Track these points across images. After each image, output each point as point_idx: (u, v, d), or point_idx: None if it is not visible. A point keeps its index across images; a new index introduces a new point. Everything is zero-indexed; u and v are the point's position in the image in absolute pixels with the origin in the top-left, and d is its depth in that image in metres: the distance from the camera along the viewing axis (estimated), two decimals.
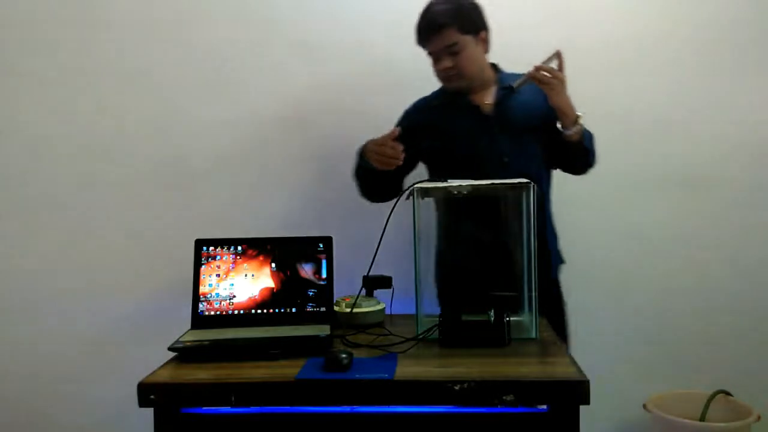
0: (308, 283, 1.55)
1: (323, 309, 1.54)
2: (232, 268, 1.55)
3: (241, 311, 1.53)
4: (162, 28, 2.18)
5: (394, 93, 1.96)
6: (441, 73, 1.76)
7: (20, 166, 2.21)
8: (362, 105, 2.13)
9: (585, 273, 2.18)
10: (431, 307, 1.45)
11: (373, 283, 1.64)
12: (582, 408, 1.13)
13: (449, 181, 1.49)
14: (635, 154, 2.16)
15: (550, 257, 1.85)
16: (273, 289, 1.54)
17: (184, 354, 1.32)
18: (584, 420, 1.13)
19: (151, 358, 1.31)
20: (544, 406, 1.16)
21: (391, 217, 1.59)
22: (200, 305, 1.52)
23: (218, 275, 1.54)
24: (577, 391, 1.12)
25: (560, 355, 1.28)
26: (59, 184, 2.21)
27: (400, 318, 1.59)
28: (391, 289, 1.67)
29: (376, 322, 1.55)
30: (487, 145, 1.76)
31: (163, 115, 2.20)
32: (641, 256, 2.17)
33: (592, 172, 2.18)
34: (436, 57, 1.75)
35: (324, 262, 1.56)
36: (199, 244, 1.56)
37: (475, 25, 1.74)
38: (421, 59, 1.81)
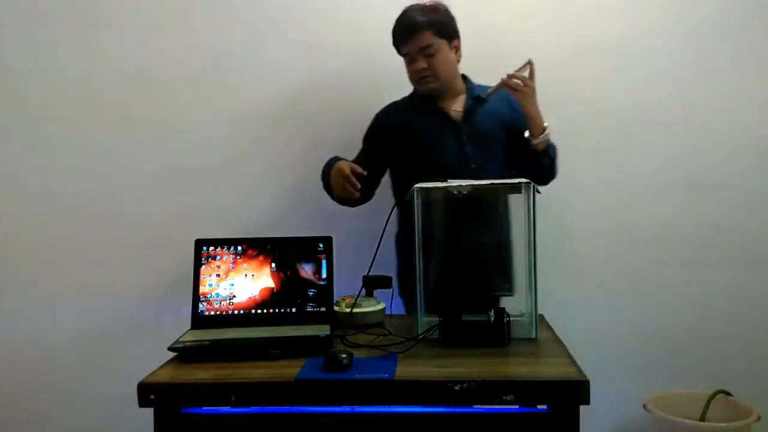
0: (308, 283, 1.55)
1: (323, 309, 1.53)
2: (232, 268, 1.55)
3: (241, 311, 1.53)
4: (162, 27, 2.18)
5: (394, 92, 1.96)
6: (415, 74, 1.80)
7: (20, 166, 2.21)
8: (363, 105, 2.13)
9: (585, 273, 2.18)
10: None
11: (373, 283, 1.63)
12: (582, 408, 1.13)
13: (449, 181, 1.49)
14: (635, 154, 2.16)
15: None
16: (273, 289, 1.54)
17: (184, 354, 1.32)
18: (584, 420, 1.13)
19: (151, 358, 1.31)
20: (544, 406, 1.16)
21: (391, 217, 1.60)
22: (200, 305, 1.52)
23: (218, 275, 1.54)
24: (577, 391, 1.12)
25: (560, 355, 1.28)
26: (59, 183, 2.21)
27: (400, 318, 1.59)
28: (391, 289, 1.67)
29: (376, 322, 1.55)
30: (455, 151, 1.80)
31: (163, 114, 2.20)
32: (641, 256, 2.17)
33: (593, 173, 2.19)
34: (411, 58, 1.79)
35: (324, 262, 1.56)
36: (199, 244, 1.56)
37: (449, 31, 1.80)
38: None
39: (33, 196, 2.21)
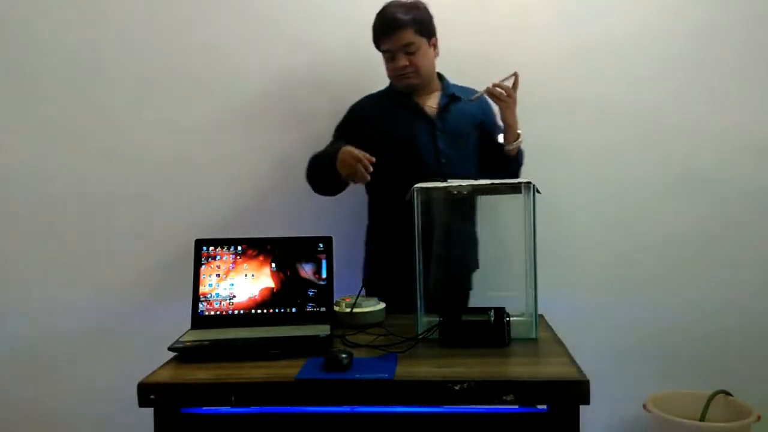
0: (308, 283, 1.55)
1: (323, 309, 1.53)
2: (232, 268, 1.55)
3: (241, 311, 1.53)
4: (164, 27, 2.18)
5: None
6: (397, 71, 1.83)
7: (20, 167, 2.22)
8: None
9: (585, 273, 2.18)
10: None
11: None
12: (582, 408, 1.13)
13: (449, 181, 1.50)
14: (636, 154, 2.16)
15: (469, 261, 1.91)
16: (273, 289, 1.54)
17: (184, 354, 1.32)
18: (584, 420, 1.13)
19: (151, 358, 1.31)
20: (544, 406, 1.16)
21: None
22: (200, 305, 1.52)
23: (218, 275, 1.54)
24: (577, 391, 1.12)
25: (560, 355, 1.28)
26: (59, 183, 2.21)
27: (400, 318, 1.59)
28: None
29: (376, 322, 1.55)
30: (427, 145, 1.83)
31: (164, 114, 2.20)
32: (642, 255, 2.17)
33: (593, 173, 2.19)
34: (392, 55, 1.82)
35: (324, 262, 1.56)
36: (199, 244, 1.56)
37: (429, 29, 1.83)
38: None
39: (33, 195, 2.21)
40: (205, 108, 2.19)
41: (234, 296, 1.53)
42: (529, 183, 1.41)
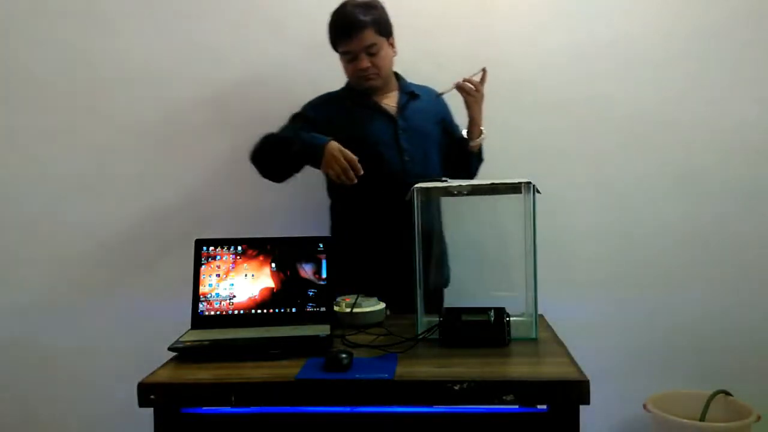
0: (308, 283, 1.55)
1: (323, 309, 1.53)
2: (232, 268, 1.55)
3: (241, 311, 1.53)
4: (163, 25, 2.18)
5: None
6: (358, 73, 1.80)
7: (19, 166, 2.22)
8: None
9: (585, 273, 2.18)
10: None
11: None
12: (582, 408, 1.13)
13: (449, 181, 1.50)
14: (634, 155, 2.16)
15: (442, 265, 1.91)
16: (273, 289, 1.54)
17: (184, 354, 1.32)
18: (584, 420, 1.13)
19: (152, 358, 1.31)
20: (544, 406, 1.16)
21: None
22: (200, 305, 1.52)
23: (218, 275, 1.54)
24: (577, 391, 1.12)
25: (560, 355, 1.28)
26: (58, 183, 2.21)
27: (400, 318, 1.59)
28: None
29: (376, 322, 1.55)
30: (389, 143, 1.82)
31: (164, 114, 2.20)
32: (641, 256, 2.17)
33: (593, 172, 2.19)
34: (353, 57, 1.79)
35: (324, 262, 1.56)
36: (199, 244, 1.55)
37: (388, 28, 1.82)
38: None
39: (32, 195, 2.22)
40: (205, 108, 2.19)
41: (234, 296, 1.53)
42: (529, 183, 1.41)
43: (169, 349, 1.33)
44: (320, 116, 1.85)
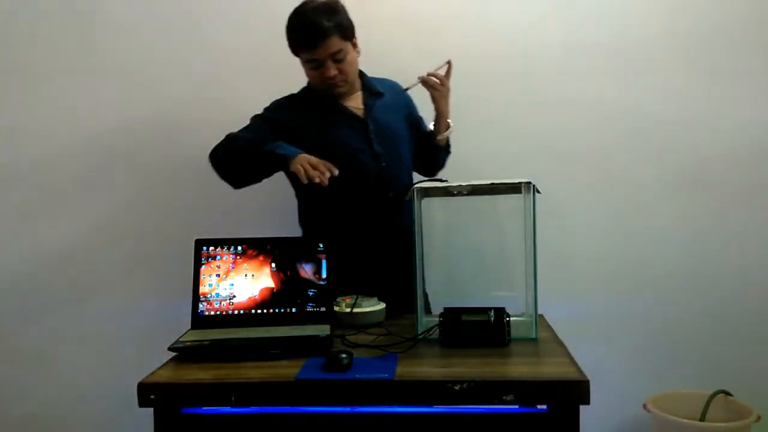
0: (308, 283, 1.55)
1: (323, 309, 1.53)
2: (232, 268, 1.55)
3: (241, 311, 1.53)
4: (157, 19, 2.18)
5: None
6: (326, 81, 1.71)
7: (19, 166, 2.22)
8: None
9: (584, 273, 2.18)
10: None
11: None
12: (582, 408, 1.13)
13: (449, 181, 1.50)
14: (634, 155, 2.16)
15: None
16: (273, 289, 1.54)
17: (184, 354, 1.32)
18: (584, 420, 1.13)
19: (152, 358, 1.31)
20: (544, 406, 1.16)
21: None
22: (200, 305, 1.52)
23: (218, 275, 1.54)
24: (577, 391, 1.12)
25: (560, 355, 1.28)
26: (58, 184, 2.21)
27: (400, 318, 1.59)
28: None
29: (376, 322, 1.55)
30: (364, 150, 1.76)
31: (164, 114, 2.20)
32: (641, 256, 2.17)
33: (593, 172, 2.19)
34: (318, 64, 1.69)
35: (324, 262, 1.56)
36: (199, 244, 1.56)
37: (352, 31, 1.72)
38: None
39: (32, 196, 2.21)
40: (206, 107, 2.19)
41: (234, 296, 1.53)
42: (529, 183, 1.41)
43: (169, 349, 1.33)
44: (284, 119, 1.77)
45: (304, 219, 1.88)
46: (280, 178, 2.19)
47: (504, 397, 1.13)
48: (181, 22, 2.18)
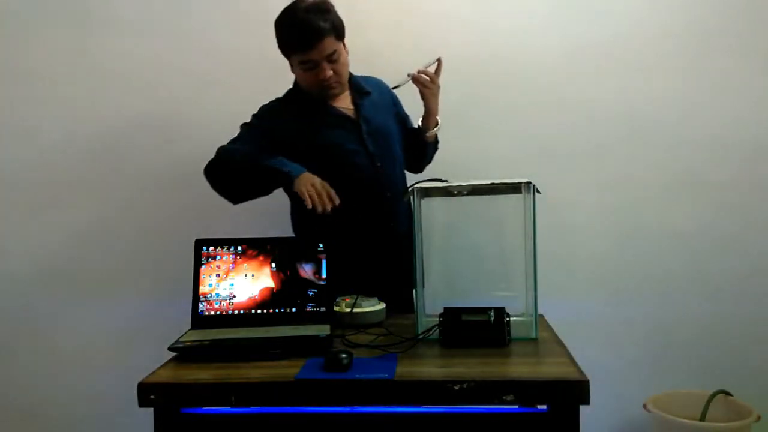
0: (308, 283, 1.55)
1: (323, 309, 1.53)
2: (232, 268, 1.55)
3: (241, 311, 1.53)
4: (164, 25, 2.18)
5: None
6: (321, 82, 1.68)
7: (20, 166, 2.22)
8: None
9: (584, 273, 2.18)
10: None
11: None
12: (582, 408, 1.13)
13: (449, 180, 1.50)
14: (634, 155, 2.16)
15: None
16: (273, 289, 1.54)
17: (184, 354, 1.32)
18: (584, 420, 1.13)
19: (151, 358, 1.31)
20: (544, 406, 1.16)
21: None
22: (200, 305, 1.52)
23: (218, 275, 1.54)
24: (577, 391, 1.12)
25: (560, 355, 1.28)
26: (59, 184, 2.21)
27: (400, 318, 1.59)
28: None
29: (376, 322, 1.55)
30: (359, 151, 1.75)
31: (164, 114, 2.20)
32: (641, 256, 2.17)
33: (593, 172, 2.19)
34: (313, 65, 1.66)
35: (324, 262, 1.56)
36: (199, 244, 1.56)
37: (343, 31, 1.70)
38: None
39: (32, 196, 2.22)
40: (205, 107, 2.19)
41: (234, 296, 1.53)
42: (529, 183, 1.41)
43: (169, 349, 1.33)
44: (274, 124, 1.75)
45: (298, 221, 1.85)
46: None
47: (504, 397, 1.12)
48: (180, 22, 2.18)
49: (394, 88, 1.78)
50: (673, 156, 2.15)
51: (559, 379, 1.14)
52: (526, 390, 1.13)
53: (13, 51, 2.19)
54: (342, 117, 1.77)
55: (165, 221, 2.21)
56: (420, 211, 1.43)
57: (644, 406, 1.99)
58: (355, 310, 1.54)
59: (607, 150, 2.17)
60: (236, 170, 1.68)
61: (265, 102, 1.81)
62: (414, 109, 1.85)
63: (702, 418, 1.96)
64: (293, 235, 1.85)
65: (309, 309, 1.54)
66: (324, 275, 1.56)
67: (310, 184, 1.56)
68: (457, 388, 1.13)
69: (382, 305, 1.59)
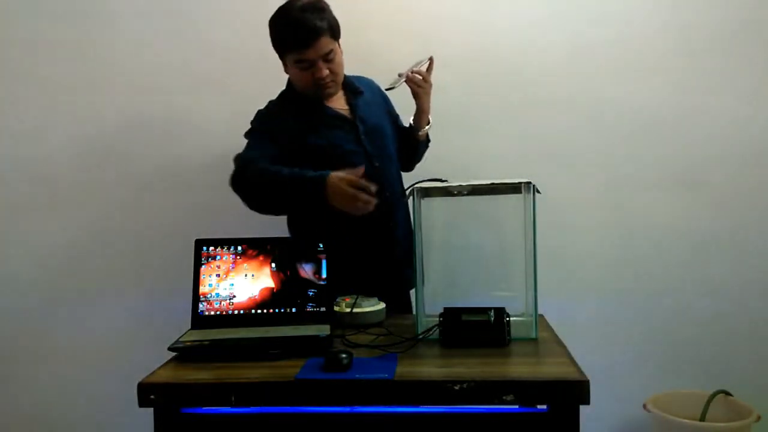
0: (308, 283, 1.55)
1: (323, 309, 1.53)
2: (232, 268, 1.55)
3: (241, 311, 1.53)
4: (161, 26, 2.18)
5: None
6: (318, 82, 1.66)
7: (18, 165, 2.22)
8: None
9: (584, 273, 2.18)
10: None
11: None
12: (582, 408, 1.13)
13: (449, 180, 1.50)
14: (634, 155, 2.16)
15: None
16: (273, 289, 1.54)
17: (184, 354, 1.32)
18: (584, 420, 1.13)
19: (151, 358, 1.31)
20: (544, 406, 1.16)
21: None
22: (200, 305, 1.52)
23: (218, 275, 1.54)
24: (577, 391, 1.12)
25: (560, 355, 1.28)
26: (59, 184, 2.21)
27: (400, 318, 1.59)
28: None
29: (376, 322, 1.55)
30: (356, 151, 1.74)
31: (164, 114, 2.20)
32: (641, 256, 2.17)
33: (593, 172, 2.19)
34: (308, 65, 1.64)
35: (324, 262, 1.56)
36: (199, 244, 1.56)
37: (339, 30, 1.68)
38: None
39: (33, 197, 2.22)
40: (206, 107, 2.19)
41: (234, 296, 1.53)
42: (529, 183, 1.41)
43: (169, 349, 1.33)
44: (274, 127, 1.73)
45: (294, 222, 1.83)
46: None
47: (504, 397, 1.13)
48: (181, 22, 2.18)
49: (387, 89, 1.76)
50: (674, 156, 2.15)
51: (559, 379, 1.14)
52: (526, 390, 1.13)
53: (14, 51, 2.19)
54: (339, 117, 1.76)
55: (165, 221, 2.21)
56: (420, 210, 1.43)
57: (644, 406, 1.99)
58: (355, 310, 1.54)
59: (608, 150, 2.17)
60: (266, 178, 1.63)
61: (264, 103, 1.81)
62: (406, 108, 1.85)
63: (702, 418, 1.96)
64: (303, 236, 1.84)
65: (309, 309, 1.54)
66: (324, 275, 1.56)
67: (348, 201, 1.50)
68: (457, 388, 1.13)
69: (382, 305, 1.59)
